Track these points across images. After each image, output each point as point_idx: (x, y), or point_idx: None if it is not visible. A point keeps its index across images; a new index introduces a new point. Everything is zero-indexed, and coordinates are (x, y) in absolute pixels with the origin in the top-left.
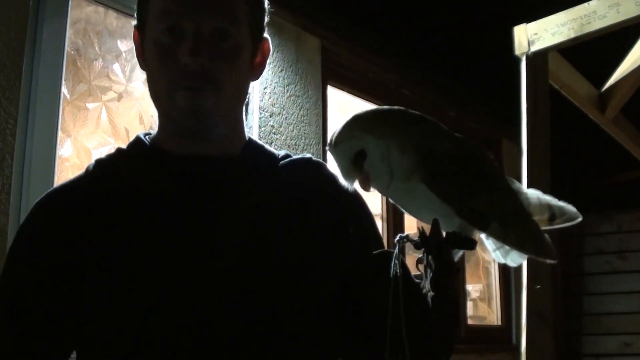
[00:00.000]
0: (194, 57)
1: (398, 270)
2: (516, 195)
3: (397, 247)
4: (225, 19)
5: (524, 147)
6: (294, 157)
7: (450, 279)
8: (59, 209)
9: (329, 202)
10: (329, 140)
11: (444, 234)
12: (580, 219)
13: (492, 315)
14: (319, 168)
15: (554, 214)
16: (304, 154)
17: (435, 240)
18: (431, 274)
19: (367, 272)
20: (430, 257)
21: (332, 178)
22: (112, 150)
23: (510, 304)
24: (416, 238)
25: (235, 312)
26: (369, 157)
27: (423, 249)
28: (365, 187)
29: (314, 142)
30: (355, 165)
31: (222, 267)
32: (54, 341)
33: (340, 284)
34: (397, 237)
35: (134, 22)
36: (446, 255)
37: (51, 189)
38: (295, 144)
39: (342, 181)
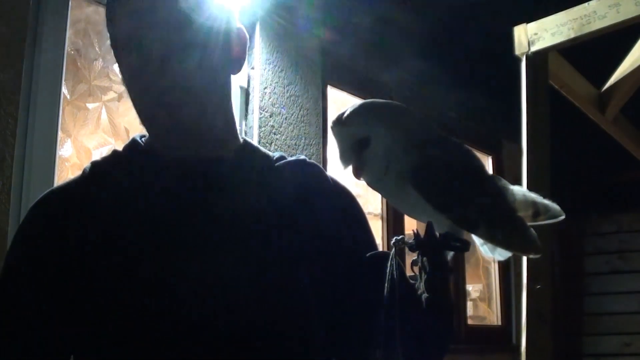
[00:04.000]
0: (164, 76)
1: (395, 272)
2: (504, 197)
3: (393, 250)
4: (188, 29)
5: (524, 147)
6: (289, 158)
7: (444, 281)
8: (57, 211)
9: (323, 204)
10: (336, 117)
11: (437, 235)
12: (563, 217)
13: (492, 315)
14: (314, 170)
15: (537, 211)
16: (299, 155)
17: (429, 242)
18: (425, 276)
19: (360, 273)
20: (424, 259)
21: (326, 180)
22: (109, 152)
23: (510, 304)
24: (411, 240)
25: (230, 312)
26: (372, 146)
27: (418, 251)
28: (357, 175)
29: (314, 142)
30: (354, 150)
31: (216, 268)
32: (52, 344)
33: (332, 285)
34: (393, 240)
35: (108, 42)
36: (440, 257)
37: (48, 190)
38: (295, 144)
39: (337, 162)
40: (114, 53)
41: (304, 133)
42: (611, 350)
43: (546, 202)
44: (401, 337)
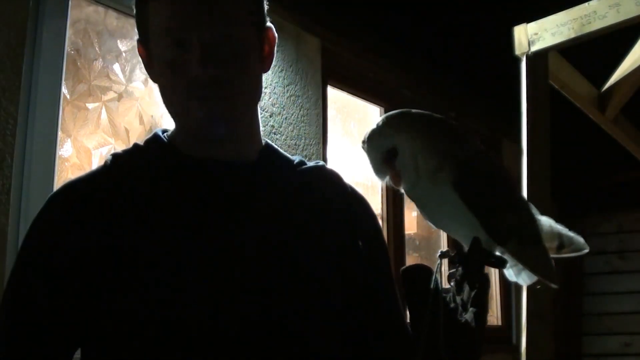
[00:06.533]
0: (203, 68)
1: (439, 284)
2: (534, 219)
3: (439, 261)
4: (228, 22)
5: (524, 147)
6: (309, 164)
7: (486, 295)
8: (77, 202)
9: (342, 211)
10: (362, 138)
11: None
12: (586, 251)
13: (492, 315)
14: (333, 177)
15: (562, 243)
16: (317, 161)
17: (477, 258)
18: (471, 291)
19: (378, 282)
20: (467, 273)
21: (345, 187)
22: (131, 145)
23: (510, 304)
24: (452, 254)
25: (247, 315)
26: (400, 154)
27: (457, 265)
28: (396, 183)
29: (314, 142)
30: (386, 162)
31: (235, 271)
32: (62, 336)
33: (348, 293)
34: (439, 253)
35: (137, 37)
36: (483, 272)
37: (68, 181)
38: (295, 144)
39: (375, 176)
40: (142, 43)
41: (304, 133)
42: (611, 350)
43: (571, 234)
44: (444, 348)
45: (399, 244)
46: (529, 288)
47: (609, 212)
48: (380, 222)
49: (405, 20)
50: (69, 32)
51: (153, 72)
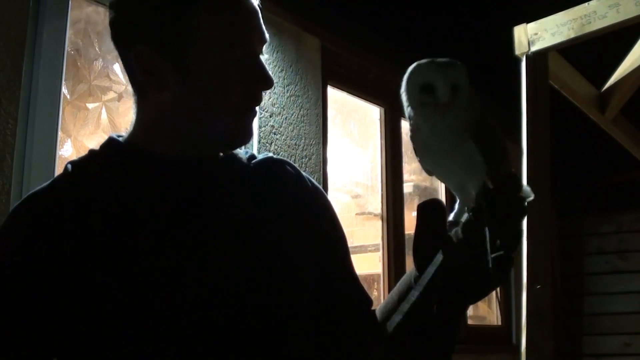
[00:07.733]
0: (267, 85)
1: (483, 216)
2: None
3: (483, 185)
4: (265, 39)
5: (524, 147)
6: (260, 157)
7: (522, 222)
8: (43, 212)
9: (301, 198)
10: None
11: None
12: (532, 198)
13: (492, 315)
14: (286, 166)
15: None
16: (266, 153)
17: (515, 183)
18: (506, 219)
19: (340, 267)
20: (501, 204)
21: (302, 176)
22: (87, 152)
23: (510, 304)
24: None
25: (221, 312)
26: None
27: (484, 199)
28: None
29: (314, 142)
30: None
31: (208, 269)
32: (34, 348)
33: (318, 278)
34: (480, 189)
35: (146, 43)
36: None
37: (28, 193)
38: (296, 144)
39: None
40: (163, 52)
41: (304, 133)
42: (611, 350)
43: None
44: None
45: (399, 244)
46: (529, 288)
47: (608, 212)
48: (380, 222)
49: (405, 20)
50: (69, 32)
51: (159, 81)
